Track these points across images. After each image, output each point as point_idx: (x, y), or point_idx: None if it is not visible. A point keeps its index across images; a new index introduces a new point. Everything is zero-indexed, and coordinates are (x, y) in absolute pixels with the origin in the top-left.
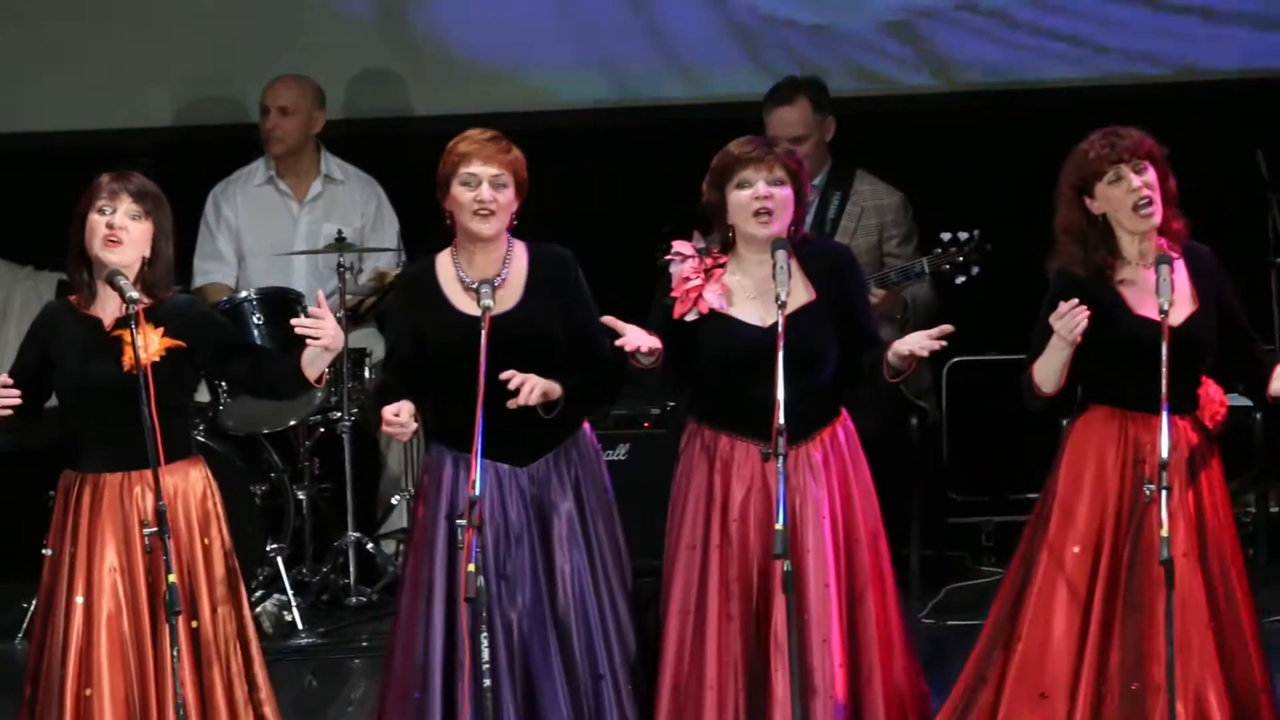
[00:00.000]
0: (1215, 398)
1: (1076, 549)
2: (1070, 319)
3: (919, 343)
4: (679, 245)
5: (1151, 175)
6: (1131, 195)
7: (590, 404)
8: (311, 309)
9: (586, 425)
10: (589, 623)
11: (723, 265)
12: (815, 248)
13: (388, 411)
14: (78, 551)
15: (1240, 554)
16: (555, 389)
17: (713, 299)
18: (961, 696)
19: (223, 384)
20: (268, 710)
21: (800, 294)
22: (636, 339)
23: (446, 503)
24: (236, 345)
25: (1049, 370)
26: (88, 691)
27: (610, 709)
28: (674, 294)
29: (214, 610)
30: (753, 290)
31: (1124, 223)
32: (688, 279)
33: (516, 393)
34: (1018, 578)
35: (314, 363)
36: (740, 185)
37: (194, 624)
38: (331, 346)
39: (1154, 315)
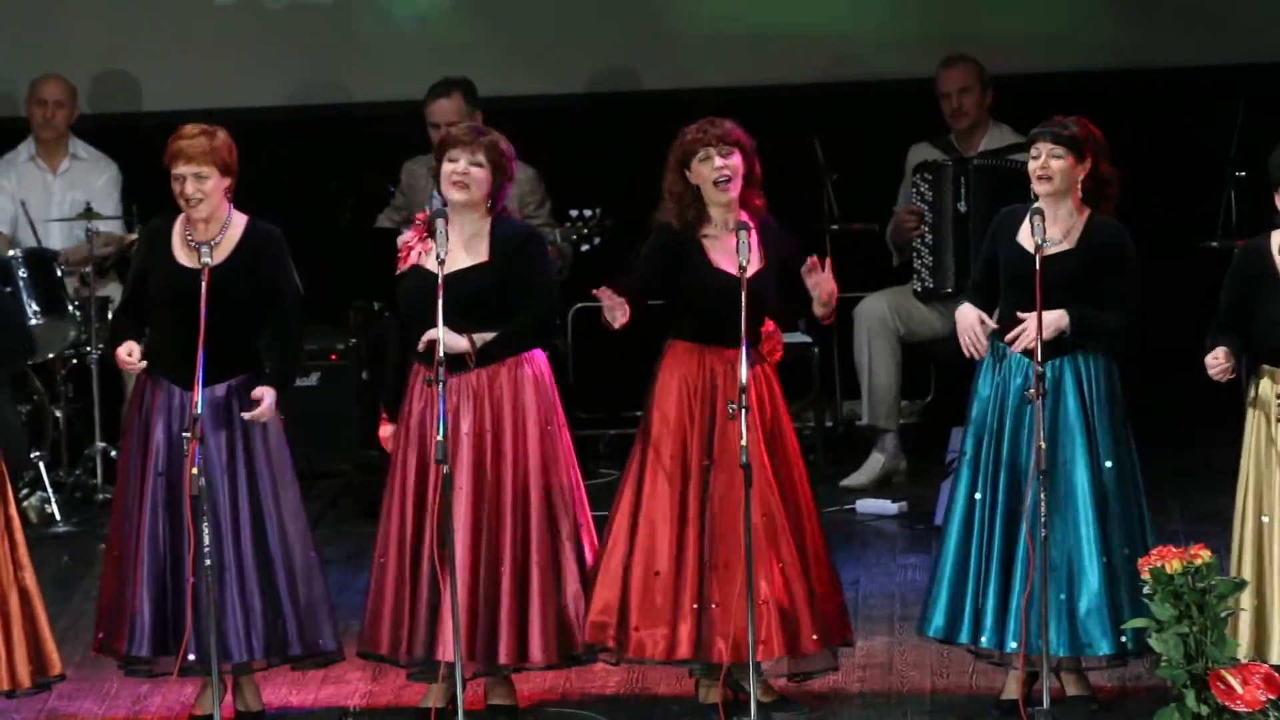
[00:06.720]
0: (775, 337)
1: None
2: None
3: None
4: (419, 215)
5: (736, 159)
6: (714, 173)
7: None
8: None
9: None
10: (219, 518)
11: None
12: (508, 226)
13: (121, 352)
14: None
15: (800, 456)
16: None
17: (413, 256)
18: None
19: None
20: (29, 583)
21: (478, 254)
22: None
23: (149, 415)
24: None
25: None
26: None
27: (232, 592)
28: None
29: None
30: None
31: (708, 194)
32: (408, 240)
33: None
34: (634, 479)
35: None
36: (448, 161)
37: None
38: None
39: (731, 269)
